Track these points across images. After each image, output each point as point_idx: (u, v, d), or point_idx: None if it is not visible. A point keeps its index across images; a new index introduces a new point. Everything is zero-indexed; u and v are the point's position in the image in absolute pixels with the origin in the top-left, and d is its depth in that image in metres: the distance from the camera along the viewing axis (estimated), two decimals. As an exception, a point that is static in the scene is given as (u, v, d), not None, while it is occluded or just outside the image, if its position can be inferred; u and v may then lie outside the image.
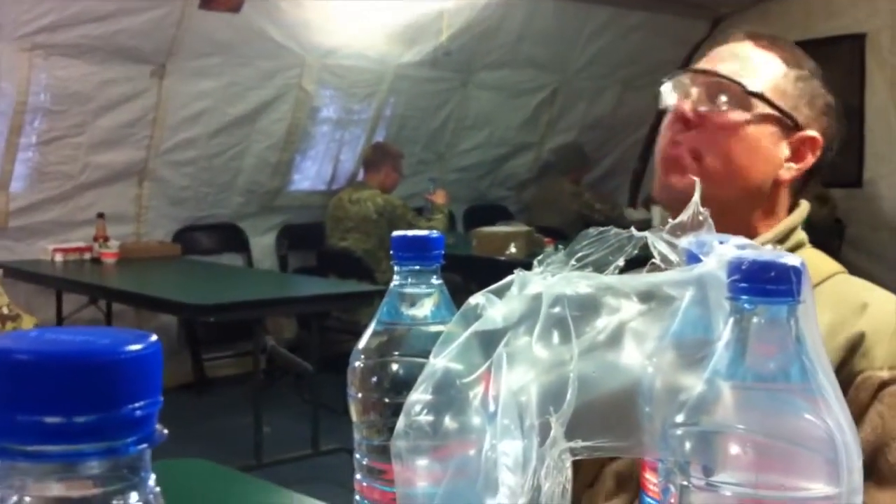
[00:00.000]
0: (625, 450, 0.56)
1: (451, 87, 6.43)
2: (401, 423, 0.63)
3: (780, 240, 1.21)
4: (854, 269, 5.43)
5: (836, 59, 6.71)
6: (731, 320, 0.51)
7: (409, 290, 0.73)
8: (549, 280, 0.60)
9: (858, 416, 1.04)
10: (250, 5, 5.09)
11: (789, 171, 1.20)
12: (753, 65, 1.19)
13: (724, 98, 1.16)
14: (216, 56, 5.25)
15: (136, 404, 0.31)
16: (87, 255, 5.06)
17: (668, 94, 1.22)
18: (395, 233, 0.75)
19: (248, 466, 3.82)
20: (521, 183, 7.15)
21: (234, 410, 4.76)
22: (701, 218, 0.63)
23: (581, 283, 0.58)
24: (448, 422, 0.62)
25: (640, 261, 0.68)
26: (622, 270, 0.65)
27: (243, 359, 5.34)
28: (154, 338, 0.33)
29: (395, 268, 0.74)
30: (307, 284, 5.18)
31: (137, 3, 4.81)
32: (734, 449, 0.49)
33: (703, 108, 1.17)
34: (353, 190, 5.47)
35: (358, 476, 0.74)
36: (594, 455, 0.54)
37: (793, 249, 1.21)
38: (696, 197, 0.64)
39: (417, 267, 0.73)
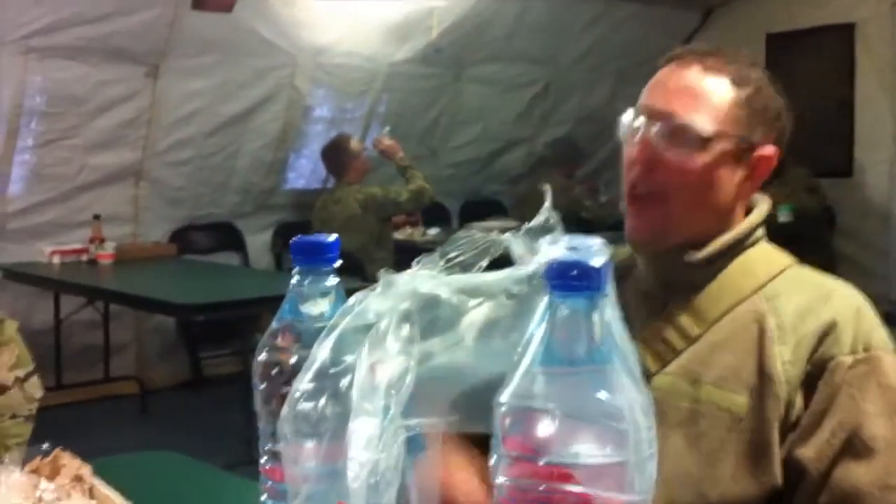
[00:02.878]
0: (465, 426, 0.64)
1: (443, 83, 6.50)
2: (285, 409, 0.71)
3: (744, 237, 1.27)
4: (845, 258, 5.49)
5: (825, 49, 6.77)
6: (547, 312, 0.59)
7: (306, 289, 0.81)
8: (411, 280, 0.67)
9: (833, 396, 1.13)
10: (242, 5, 5.16)
11: (747, 189, 1.27)
12: (706, 98, 1.22)
13: (680, 140, 1.20)
14: (209, 56, 5.33)
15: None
16: (84, 257, 5.13)
17: (626, 131, 1.26)
18: (294, 238, 0.82)
19: (240, 462, 3.89)
20: (515, 178, 7.21)
21: (229, 408, 4.84)
22: (551, 222, 0.70)
23: (433, 282, 0.66)
24: (325, 407, 0.70)
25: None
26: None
27: (240, 357, 5.41)
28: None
29: (294, 269, 0.82)
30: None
31: (131, 4, 4.89)
32: (541, 423, 0.57)
33: (663, 153, 1.21)
34: (333, 191, 5.51)
35: (263, 459, 0.82)
36: (431, 430, 0.62)
37: (752, 245, 1.28)
38: (547, 203, 0.71)
39: (314, 268, 0.81)
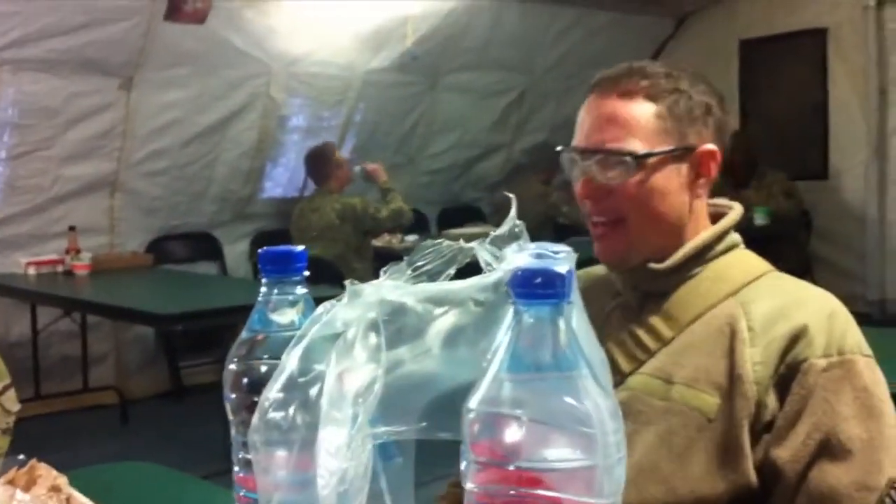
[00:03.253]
0: (433, 433, 0.64)
1: (419, 91, 6.51)
2: (255, 418, 0.72)
3: (713, 243, 1.29)
4: (822, 260, 5.55)
5: (799, 54, 6.83)
6: (512, 320, 0.60)
7: (274, 299, 0.81)
8: (377, 289, 0.68)
9: (807, 398, 1.15)
10: (214, 15, 5.16)
11: (702, 186, 1.31)
12: (627, 122, 1.26)
13: (619, 168, 1.26)
14: (183, 67, 5.31)
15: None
16: (60, 268, 5.11)
17: (569, 168, 1.32)
18: (261, 249, 0.83)
19: (220, 472, 3.88)
20: (492, 184, 7.23)
21: (209, 418, 4.82)
22: (517, 230, 0.71)
23: (399, 291, 0.66)
24: (295, 416, 0.70)
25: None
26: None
27: (219, 366, 5.38)
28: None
29: (263, 279, 0.82)
30: (279, 290, 5.23)
31: (103, 16, 4.87)
32: (509, 429, 0.58)
33: (606, 183, 1.27)
34: (312, 199, 5.52)
35: (236, 468, 0.83)
36: (399, 437, 0.63)
37: (726, 251, 1.30)
38: (513, 211, 0.72)
39: (283, 278, 0.81)
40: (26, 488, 1.32)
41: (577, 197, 1.32)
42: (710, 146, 1.29)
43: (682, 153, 1.27)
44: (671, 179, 1.27)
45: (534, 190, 6.47)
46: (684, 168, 1.28)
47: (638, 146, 1.25)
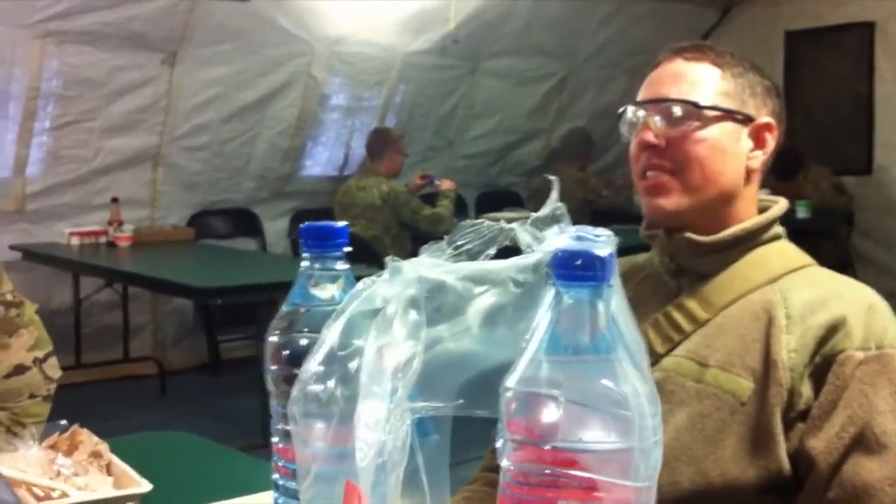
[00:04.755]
0: (470, 410, 0.65)
1: (459, 75, 6.50)
2: (295, 390, 0.73)
3: (760, 230, 1.29)
4: (863, 256, 5.51)
5: (845, 48, 6.73)
6: (552, 301, 0.61)
7: (315, 274, 0.83)
8: (417, 267, 0.69)
9: (843, 389, 1.15)
10: (259, -7, 5.20)
11: (757, 159, 1.31)
12: (692, 79, 1.29)
13: (681, 118, 1.27)
14: (226, 44, 5.36)
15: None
16: (103, 239, 5.19)
17: (629, 127, 1.32)
18: (303, 224, 0.84)
19: (255, 445, 3.93)
20: (530, 170, 7.22)
21: (246, 391, 4.88)
22: (558, 212, 0.72)
23: (439, 269, 0.67)
24: (334, 389, 0.71)
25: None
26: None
27: (256, 341, 5.45)
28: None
29: (304, 254, 0.83)
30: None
31: (149, -9, 4.93)
32: (546, 409, 0.58)
33: (666, 132, 1.27)
34: (360, 177, 5.55)
35: (275, 439, 0.84)
36: (437, 413, 0.64)
37: (770, 241, 1.30)
38: (555, 194, 0.73)
39: (324, 253, 0.83)
40: (68, 453, 1.35)
41: (634, 152, 1.31)
42: (768, 118, 1.30)
43: (744, 119, 1.29)
44: (730, 141, 1.28)
45: (572, 176, 6.45)
46: (744, 134, 1.29)
47: (701, 99, 1.27)
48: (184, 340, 5.82)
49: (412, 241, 5.50)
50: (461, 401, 0.66)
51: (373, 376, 0.65)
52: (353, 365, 0.70)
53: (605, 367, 0.59)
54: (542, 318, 0.61)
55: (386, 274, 0.70)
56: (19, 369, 1.71)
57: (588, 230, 0.69)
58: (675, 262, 1.31)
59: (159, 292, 5.30)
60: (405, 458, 0.65)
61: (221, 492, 1.32)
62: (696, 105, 1.26)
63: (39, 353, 1.75)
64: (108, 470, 1.34)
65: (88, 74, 5.04)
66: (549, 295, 0.61)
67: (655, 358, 1.25)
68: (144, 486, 1.29)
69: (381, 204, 5.34)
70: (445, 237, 0.75)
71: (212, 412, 4.85)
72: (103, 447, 1.37)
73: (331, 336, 0.72)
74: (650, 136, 1.27)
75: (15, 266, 4.68)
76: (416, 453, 0.69)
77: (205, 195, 5.84)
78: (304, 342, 0.81)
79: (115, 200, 5.25)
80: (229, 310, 5.31)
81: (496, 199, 6.97)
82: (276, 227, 6.18)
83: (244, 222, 6.08)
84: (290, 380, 0.82)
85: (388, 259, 0.71)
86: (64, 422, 1.33)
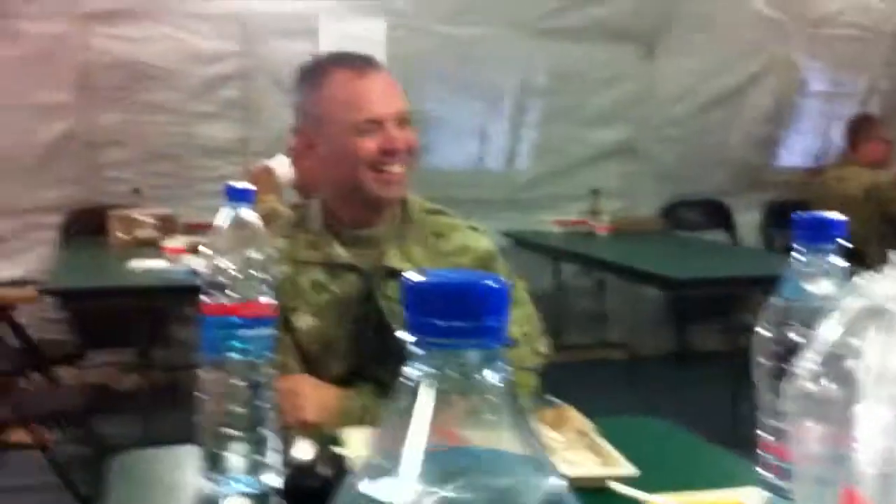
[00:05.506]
0: None
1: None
2: (789, 387, 0.72)
3: None
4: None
5: None
6: None
7: (809, 267, 0.81)
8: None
9: None
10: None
11: None
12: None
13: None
14: (702, 32, 5.35)
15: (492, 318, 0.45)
16: (583, 228, 5.45)
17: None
18: (795, 214, 0.82)
19: (724, 440, 3.87)
20: None
21: (714, 384, 4.84)
22: None
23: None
24: (830, 388, 0.69)
25: None
26: None
27: (727, 335, 5.38)
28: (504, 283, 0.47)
29: (795, 246, 0.82)
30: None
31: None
32: None
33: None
34: (838, 168, 5.21)
35: (765, 436, 0.84)
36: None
37: None
38: None
39: (817, 246, 0.80)
40: (554, 427, 1.45)
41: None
42: None
43: None
44: None
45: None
46: None
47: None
48: (654, 329, 5.92)
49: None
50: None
51: (876, 378, 0.62)
52: (849, 364, 0.67)
53: None
54: None
55: (888, 270, 0.66)
56: None
57: None
58: None
59: (633, 281, 5.43)
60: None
61: (700, 482, 1.31)
62: None
63: (527, 329, 1.91)
64: (594, 450, 1.40)
65: (573, 69, 5.32)
66: None
67: None
68: (631, 469, 1.31)
69: (864, 199, 4.95)
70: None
71: (678, 401, 4.87)
72: (588, 427, 1.44)
73: (827, 333, 0.70)
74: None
75: (504, 251, 5.09)
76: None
77: (675, 186, 5.88)
78: (796, 337, 0.80)
79: (595, 191, 5.47)
80: (700, 301, 5.30)
81: None
82: (747, 219, 6.02)
83: (715, 214, 6.02)
84: (778, 374, 0.81)
85: (891, 253, 0.67)
86: (555, 399, 1.43)
